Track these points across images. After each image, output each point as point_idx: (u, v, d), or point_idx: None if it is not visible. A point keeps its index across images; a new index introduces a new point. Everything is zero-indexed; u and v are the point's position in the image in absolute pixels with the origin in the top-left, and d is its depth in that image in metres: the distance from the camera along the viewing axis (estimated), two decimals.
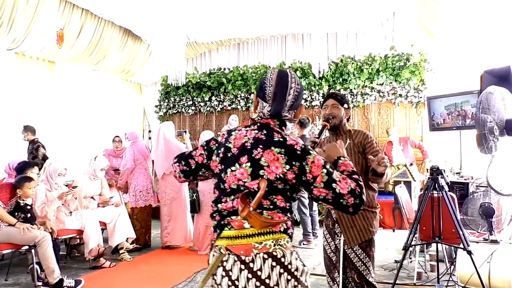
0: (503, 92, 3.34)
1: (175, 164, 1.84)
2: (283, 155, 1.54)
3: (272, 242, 1.50)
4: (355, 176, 1.59)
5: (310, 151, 1.57)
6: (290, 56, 9.17)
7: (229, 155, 1.62)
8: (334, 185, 1.52)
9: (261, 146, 1.57)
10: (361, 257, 2.55)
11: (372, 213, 2.60)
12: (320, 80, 8.51)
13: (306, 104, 8.71)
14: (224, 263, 1.51)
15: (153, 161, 6.11)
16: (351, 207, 1.54)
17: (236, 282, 1.48)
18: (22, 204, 4.31)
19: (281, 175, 1.52)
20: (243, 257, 1.49)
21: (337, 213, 2.62)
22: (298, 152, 1.55)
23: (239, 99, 9.30)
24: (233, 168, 1.58)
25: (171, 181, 5.71)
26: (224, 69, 9.64)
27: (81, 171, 5.53)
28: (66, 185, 5.07)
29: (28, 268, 4.30)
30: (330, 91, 8.37)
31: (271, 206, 1.53)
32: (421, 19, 6.55)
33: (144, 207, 5.83)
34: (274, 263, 1.48)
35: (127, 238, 5.28)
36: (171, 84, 9.63)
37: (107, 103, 8.99)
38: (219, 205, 1.60)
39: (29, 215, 4.31)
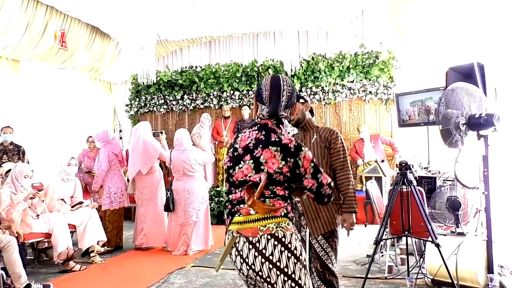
0: (467, 88, 3.43)
1: None
2: (279, 153, 1.82)
3: (274, 225, 1.77)
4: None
5: (302, 148, 1.86)
6: (262, 54, 9.17)
7: (236, 154, 1.93)
8: (319, 175, 1.88)
9: (260, 146, 1.85)
10: (324, 247, 2.71)
11: (335, 206, 2.73)
12: (292, 78, 8.55)
13: None
14: (237, 244, 1.80)
15: (126, 161, 6.00)
16: (326, 197, 1.92)
17: (247, 260, 1.76)
18: None
19: (278, 170, 1.81)
20: (250, 238, 1.76)
21: (303, 206, 2.76)
22: (292, 150, 1.83)
23: (211, 97, 9.23)
24: (240, 165, 1.89)
25: (148, 181, 5.69)
26: (196, 67, 9.56)
27: (50, 172, 5.38)
28: (36, 187, 4.92)
29: None
30: (302, 89, 8.45)
31: (272, 195, 1.81)
32: (389, 18, 6.67)
33: (118, 209, 5.72)
34: (276, 242, 1.74)
35: (98, 241, 5.17)
36: (142, 83, 9.47)
37: (76, 103, 8.73)
38: (230, 196, 1.92)
39: None
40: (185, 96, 9.46)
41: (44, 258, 5.24)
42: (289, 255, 1.74)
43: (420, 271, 3.96)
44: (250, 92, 8.93)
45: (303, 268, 1.77)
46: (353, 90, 8.25)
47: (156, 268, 4.80)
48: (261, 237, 1.75)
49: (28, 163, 5.67)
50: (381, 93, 8.04)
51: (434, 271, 3.71)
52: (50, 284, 4.15)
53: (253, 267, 1.75)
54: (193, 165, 5.39)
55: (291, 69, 8.30)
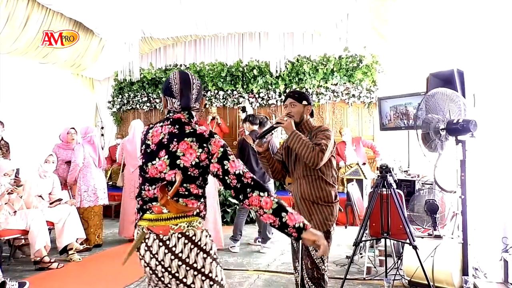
0: (448, 93, 3.50)
1: None
2: (195, 142, 1.82)
3: (186, 224, 1.80)
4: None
5: (214, 135, 1.87)
6: (247, 54, 9.19)
7: (148, 151, 1.90)
8: (225, 162, 1.81)
9: (175, 139, 1.84)
10: (316, 248, 2.63)
11: (328, 208, 2.74)
12: (276, 79, 8.58)
13: (263, 103, 8.77)
14: (146, 240, 1.82)
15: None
16: (233, 189, 1.80)
17: (157, 256, 1.79)
18: None
19: (196, 159, 1.80)
20: (161, 236, 1.79)
21: (297, 208, 2.77)
22: (206, 136, 1.84)
23: None
24: (153, 162, 1.86)
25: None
26: (181, 65, 9.51)
27: (29, 168, 5.28)
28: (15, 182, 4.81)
29: None
30: (287, 90, 8.48)
31: (186, 193, 1.81)
32: (373, 22, 6.76)
33: (93, 207, 5.62)
34: (186, 241, 1.78)
35: (77, 239, 5.09)
36: (125, 80, 9.38)
37: (57, 98, 8.60)
38: (142, 192, 1.90)
39: None
40: None
41: (21, 256, 5.14)
42: (198, 251, 1.79)
43: (397, 273, 4.02)
44: (235, 92, 8.93)
45: (213, 262, 1.83)
46: (337, 92, 8.33)
47: (134, 267, 4.71)
48: (171, 235, 1.78)
49: (10, 159, 5.56)
50: (364, 97, 8.14)
51: (411, 272, 3.77)
52: (26, 281, 4.06)
53: (162, 263, 1.79)
54: None
55: (276, 70, 8.34)
